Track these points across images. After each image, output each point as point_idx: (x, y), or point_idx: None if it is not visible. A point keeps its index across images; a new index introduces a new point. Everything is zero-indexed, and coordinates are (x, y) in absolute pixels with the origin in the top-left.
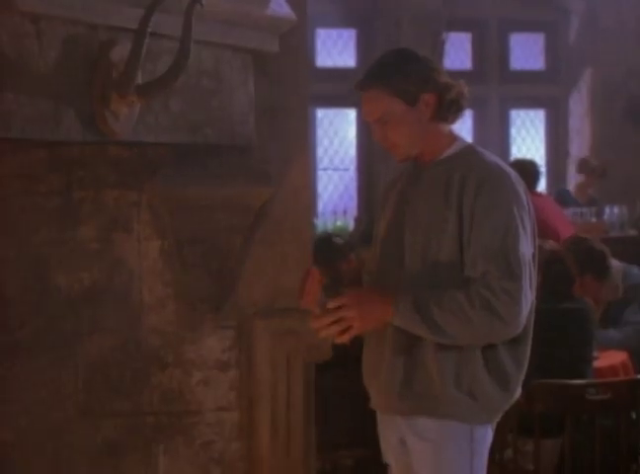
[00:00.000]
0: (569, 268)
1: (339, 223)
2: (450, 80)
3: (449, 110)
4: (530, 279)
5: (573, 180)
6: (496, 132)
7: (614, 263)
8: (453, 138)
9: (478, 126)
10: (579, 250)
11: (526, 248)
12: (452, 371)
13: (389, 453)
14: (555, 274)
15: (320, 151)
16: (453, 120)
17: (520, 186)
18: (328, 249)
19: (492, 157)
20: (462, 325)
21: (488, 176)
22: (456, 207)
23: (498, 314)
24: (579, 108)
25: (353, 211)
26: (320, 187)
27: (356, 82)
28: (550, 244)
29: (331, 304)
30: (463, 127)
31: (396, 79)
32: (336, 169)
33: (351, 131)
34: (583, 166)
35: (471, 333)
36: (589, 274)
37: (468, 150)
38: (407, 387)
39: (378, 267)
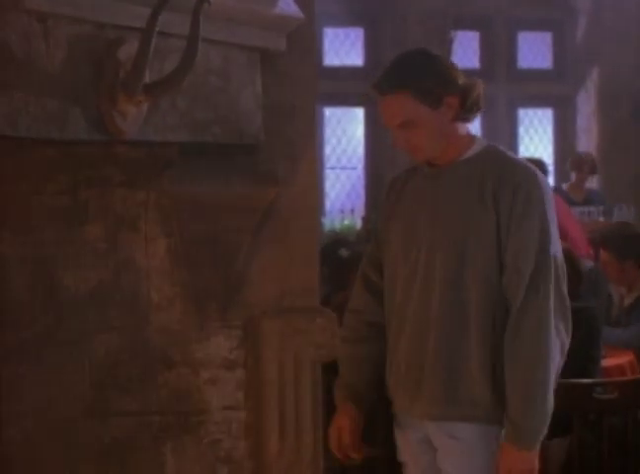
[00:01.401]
0: (577, 266)
1: (346, 222)
2: (469, 80)
3: (471, 110)
4: (559, 278)
5: None
6: (504, 131)
7: None
8: (472, 138)
9: (486, 125)
10: (623, 235)
11: (557, 247)
12: (492, 376)
13: (407, 452)
14: (569, 271)
15: (328, 150)
16: (471, 121)
17: (548, 184)
18: (334, 259)
19: (517, 157)
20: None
21: (522, 177)
22: (493, 208)
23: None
24: (586, 106)
25: (360, 210)
26: (327, 185)
27: (374, 84)
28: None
29: None
30: (472, 126)
31: (420, 82)
32: (343, 168)
33: (358, 130)
34: (572, 163)
35: (547, 363)
36: (630, 259)
37: (492, 150)
38: (452, 395)
39: (396, 268)
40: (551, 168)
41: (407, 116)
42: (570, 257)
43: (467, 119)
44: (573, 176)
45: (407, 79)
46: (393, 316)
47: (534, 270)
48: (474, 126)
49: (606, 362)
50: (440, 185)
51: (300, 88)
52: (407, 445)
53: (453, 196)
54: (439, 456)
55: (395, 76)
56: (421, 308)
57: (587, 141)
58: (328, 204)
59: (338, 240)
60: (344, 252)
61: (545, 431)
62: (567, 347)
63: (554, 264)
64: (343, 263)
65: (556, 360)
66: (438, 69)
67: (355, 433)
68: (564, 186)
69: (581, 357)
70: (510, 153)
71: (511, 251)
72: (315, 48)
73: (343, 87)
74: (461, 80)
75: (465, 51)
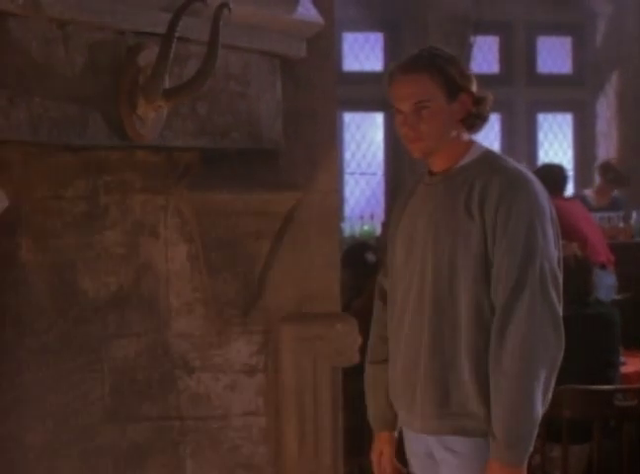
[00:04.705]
0: (587, 275)
1: (366, 227)
2: (483, 92)
3: (476, 120)
4: (547, 290)
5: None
6: (523, 136)
7: None
8: (470, 144)
9: (505, 130)
10: None
11: (546, 259)
12: (485, 388)
13: (416, 466)
14: (579, 278)
15: (347, 155)
16: (474, 132)
17: (543, 192)
18: (358, 264)
19: (513, 164)
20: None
21: (508, 188)
22: (479, 219)
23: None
24: (606, 111)
25: (380, 216)
26: (347, 191)
27: (398, 65)
28: (575, 247)
29: None
30: (491, 132)
31: (444, 68)
32: (363, 173)
33: (378, 135)
34: (601, 170)
35: (531, 378)
36: None
37: (487, 156)
38: (444, 409)
39: (397, 280)
40: (571, 173)
41: (424, 95)
42: (586, 262)
43: (472, 127)
44: (597, 179)
45: (433, 63)
46: (392, 327)
47: (517, 282)
48: (494, 131)
49: (626, 369)
50: (436, 193)
51: (320, 93)
52: (415, 459)
53: (444, 205)
54: (441, 472)
55: (422, 58)
56: (414, 320)
57: (606, 146)
58: (347, 210)
59: (363, 244)
60: (371, 256)
61: (531, 447)
62: (559, 359)
63: (540, 276)
64: (367, 267)
65: (543, 375)
66: (461, 65)
67: (394, 458)
68: (587, 191)
69: (600, 364)
70: (504, 160)
71: (495, 262)
72: (335, 54)
73: (362, 92)
74: (476, 87)
75: (485, 56)
